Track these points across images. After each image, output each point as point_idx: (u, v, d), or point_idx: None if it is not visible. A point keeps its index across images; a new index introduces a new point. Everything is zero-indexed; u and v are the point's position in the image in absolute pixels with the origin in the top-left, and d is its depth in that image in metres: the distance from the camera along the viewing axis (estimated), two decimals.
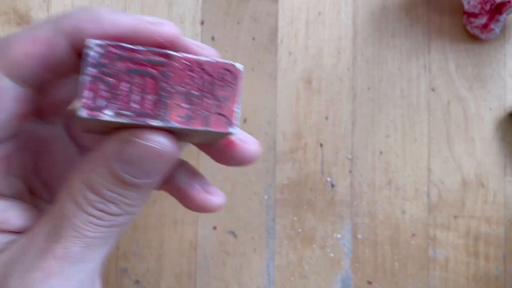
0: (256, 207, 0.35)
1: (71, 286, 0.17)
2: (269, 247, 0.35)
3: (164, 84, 0.18)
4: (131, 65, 0.18)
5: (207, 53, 0.19)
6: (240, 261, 0.35)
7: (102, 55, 0.17)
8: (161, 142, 0.17)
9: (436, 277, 0.35)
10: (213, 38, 0.35)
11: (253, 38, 0.35)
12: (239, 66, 0.19)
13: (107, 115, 0.17)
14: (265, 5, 0.36)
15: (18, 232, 0.18)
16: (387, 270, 0.35)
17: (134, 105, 0.17)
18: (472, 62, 0.36)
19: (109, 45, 0.17)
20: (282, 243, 0.35)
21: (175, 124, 0.18)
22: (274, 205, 0.35)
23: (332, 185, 0.35)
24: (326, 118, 0.36)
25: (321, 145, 0.35)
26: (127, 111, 0.17)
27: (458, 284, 0.35)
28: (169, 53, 0.18)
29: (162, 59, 0.18)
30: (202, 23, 0.36)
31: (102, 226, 0.18)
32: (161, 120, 0.18)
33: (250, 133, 0.36)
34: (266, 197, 0.35)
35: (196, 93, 0.18)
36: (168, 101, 0.18)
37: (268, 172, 0.35)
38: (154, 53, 0.18)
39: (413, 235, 0.35)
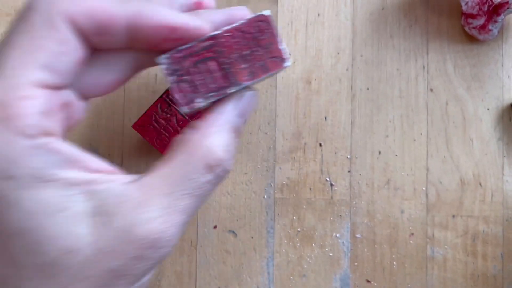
0: (256, 206, 0.35)
1: (178, 237, 0.20)
2: (269, 246, 0.35)
3: (222, 59, 0.22)
4: (193, 59, 0.22)
5: (240, 13, 0.22)
6: (240, 260, 0.35)
7: (171, 63, 0.21)
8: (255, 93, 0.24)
9: (434, 276, 0.35)
10: None
11: None
12: (266, 12, 0.22)
13: (200, 102, 0.22)
14: (265, 6, 0.36)
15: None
16: (386, 269, 0.35)
17: (212, 86, 0.22)
18: (470, 62, 0.36)
19: (172, 54, 0.21)
20: (281, 242, 0.35)
21: (245, 83, 0.22)
22: (274, 205, 0.35)
23: (331, 185, 0.35)
24: (326, 118, 0.36)
25: (320, 145, 0.36)
26: (210, 92, 0.22)
27: (456, 283, 0.35)
28: (212, 35, 0.22)
29: (209, 42, 0.22)
30: None
31: (214, 184, 0.21)
32: (235, 86, 0.22)
33: (250, 133, 0.36)
34: (265, 196, 0.35)
35: (247, 52, 0.22)
36: (231, 69, 0.22)
37: (268, 171, 0.35)
38: (202, 41, 0.22)
39: (412, 234, 0.35)
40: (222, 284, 0.35)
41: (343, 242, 0.35)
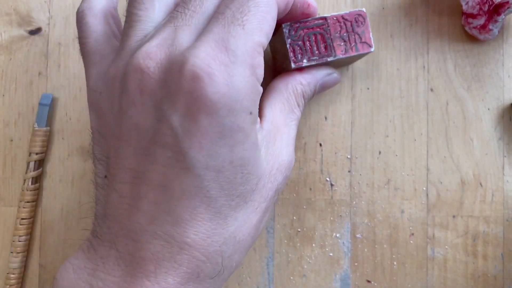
0: None
1: None
2: (269, 246, 0.35)
3: (327, 35, 0.30)
4: (307, 31, 0.30)
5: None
6: None
7: (290, 30, 0.29)
8: (339, 75, 0.32)
9: (434, 276, 0.35)
10: None
11: None
12: (364, 10, 0.30)
13: (304, 62, 0.29)
14: None
15: None
16: (386, 269, 0.35)
17: (316, 52, 0.30)
18: (471, 62, 0.36)
19: (292, 23, 0.29)
20: (281, 242, 0.35)
21: (341, 56, 0.30)
22: (274, 205, 0.35)
23: (331, 185, 0.35)
24: (326, 118, 0.36)
25: (320, 145, 0.36)
26: (314, 57, 0.30)
27: (456, 283, 0.35)
28: (324, 16, 0.30)
29: (321, 21, 0.30)
30: None
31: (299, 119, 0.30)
32: (333, 56, 0.30)
33: None
34: None
35: (346, 34, 0.30)
36: (333, 44, 0.30)
37: None
38: (316, 19, 0.30)
39: (412, 234, 0.35)
40: (222, 284, 0.35)
41: (343, 242, 0.35)
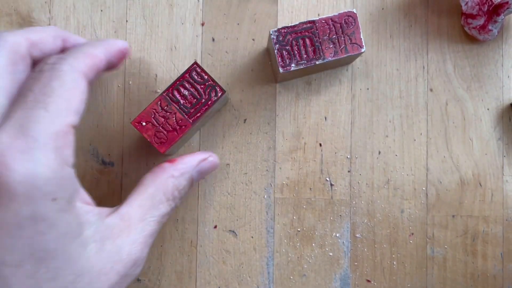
0: (256, 206, 0.35)
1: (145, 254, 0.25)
2: (269, 246, 0.35)
3: (316, 38, 0.30)
4: (295, 35, 0.30)
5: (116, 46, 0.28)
6: (240, 260, 0.35)
7: (278, 36, 0.30)
8: (216, 159, 0.31)
9: (434, 276, 0.35)
10: (213, 39, 0.36)
11: (253, 39, 0.36)
12: (354, 10, 0.31)
13: (292, 67, 0.30)
14: (265, 6, 0.36)
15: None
16: (386, 268, 0.35)
17: (304, 56, 0.30)
18: (470, 63, 0.36)
19: (279, 29, 0.30)
20: (281, 242, 0.35)
21: (330, 58, 0.30)
22: (274, 204, 0.35)
23: (331, 185, 0.36)
24: (325, 118, 0.36)
25: (320, 145, 0.36)
26: (302, 61, 0.30)
27: (456, 283, 0.35)
28: (313, 20, 0.30)
29: (309, 25, 0.30)
30: (202, 24, 0.36)
31: (170, 213, 0.27)
32: (322, 59, 0.30)
33: (250, 133, 0.36)
34: (265, 196, 0.35)
35: (335, 36, 0.30)
36: (321, 47, 0.30)
37: (268, 171, 0.35)
38: (305, 23, 0.30)
39: (412, 234, 0.35)
40: (222, 284, 0.35)
41: (343, 242, 0.35)
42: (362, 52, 0.31)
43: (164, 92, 0.30)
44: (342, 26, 0.31)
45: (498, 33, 0.36)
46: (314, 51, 0.31)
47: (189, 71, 0.30)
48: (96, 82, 0.36)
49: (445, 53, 0.36)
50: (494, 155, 0.36)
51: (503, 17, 0.34)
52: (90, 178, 0.35)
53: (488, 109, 0.36)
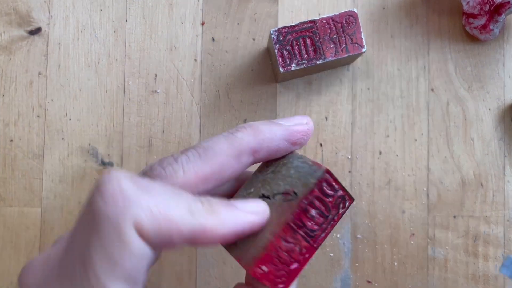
0: None
1: None
2: None
3: (316, 38, 0.30)
4: (295, 35, 0.30)
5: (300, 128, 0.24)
6: None
7: (279, 35, 0.30)
8: None
9: (435, 277, 0.35)
10: (213, 39, 0.36)
11: (253, 39, 0.36)
12: (355, 10, 0.31)
13: (293, 66, 0.30)
14: (265, 6, 0.36)
15: None
16: (387, 269, 0.35)
17: (305, 56, 0.30)
18: (471, 62, 0.36)
19: (280, 28, 0.30)
20: None
21: (330, 58, 0.30)
22: None
23: None
24: (326, 118, 0.36)
25: (321, 145, 0.35)
26: (302, 60, 0.30)
27: (457, 283, 0.35)
28: (313, 20, 0.30)
29: (310, 24, 0.30)
30: (202, 24, 0.36)
31: None
32: (322, 59, 0.30)
33: None
34: None
35: (336, 36, 0.30)
36: (322, 47, 0.30)
37: None
38: (305, 23, 0.30)
39: (413, 234, 0.35)
40: (222, 284, 0.35)
41: (343, 243, 0.35)
42: (363, 52, 0.31)
43: (288, 219, 0.21)
44: (343, 26, 0.31)
45: (500, 32, 0.36)
46: (314, 51, 0.31)
47: (320, 182, 0.21)
48: (96, 82, 0.35)
49: (446, 53, 0.36)
50: (495, 155, 0.36)
51: (504, 16, 0.34)
52: (89, 178, 0.35)
53: (489, 109, 0.36)
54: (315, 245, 0.21)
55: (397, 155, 0.35)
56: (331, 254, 0.35)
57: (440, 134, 0.36)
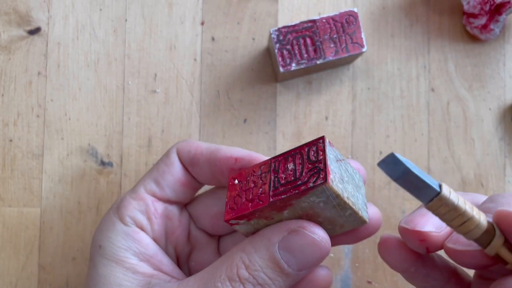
0: None
1: None
2: None
3: (316, 37, 0.30)
4: (295, 34, 0.30)
5: None
6: None
7: (279, 35, 0.30)
8: (322, 236, 0.21)
9: None
10: (213, 39, 0.36)
11: (253, 39, 0.36)
12: (355, 9, 0.31)
13: (293, 66, 0.30)
14: (265, 5, 0.36)
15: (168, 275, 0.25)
16: (387, 270, 0.35)
17: (305, 55, 0.30)
18: (472, 62, 0.36)
19: (280, 28, 0.30)
20: None
21: (331, 58, 0.30)
22: None
23: None
24: (326, 118, 0.36)
25: None
26: (302, 60, 0.30)
27: None
28: (313, 19, 0.30)
29: (310, 24, 0.30)
30: (202, 23, 0.36)
31: None
32: (322, 59, 0.30)
33: (250, 133, 0.36)
34: None
35: (336, 35, 0.30)
36: (322, 46, 0.30)
37: None
38: (305, 22, 0.30)
39: None
40: None
41: None
42: (363, 52, 0.31)
43: (277, 156, 0.24)
44: (343, 25, 0.31)
45: (500, 32, 0.36)
46: (314, 51, 0.30)
47: (311, 143, 0.22)
48: (95, 81, 0.35)
49: (446, 52, 0.36)
50: (496, 155, 0.36)
51: (505, 16, 0.34)
52: (89, 178, 0.35)
53: (490, 109, 0.36)
54: (270, 199, 0.21)
55: None
56: (332, 254, 0.35)
57: (440, 134, 0.36)
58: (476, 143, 0.36)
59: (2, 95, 0.35)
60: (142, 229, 0.25)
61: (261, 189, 0.22)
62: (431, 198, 0.17)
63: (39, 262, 0.34)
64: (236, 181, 0.24)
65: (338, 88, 0.36)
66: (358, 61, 0.36)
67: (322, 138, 0.22)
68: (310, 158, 0.22)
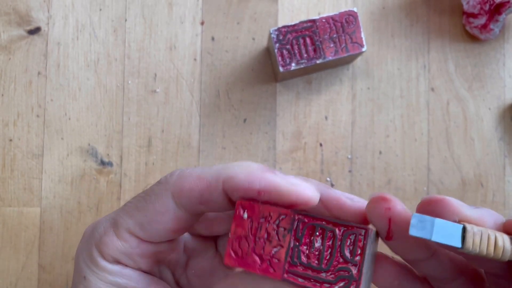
0: None
1: None
2: None
3: (316, 37, 0.30)
4: (295, 34, 0.30)
5: (357, 205, 0.20)
6: None
7: (278, 35, 0.30)
8: None
9: None
10: (213, 38, 0.36)
11: (253, 38, 0.36)
12: (355, 9, 0.31)
13: (293, 66, 0.30)
14: (265, 5, 0.36)
15: None
16: None
17: (305, 55, 0.30)
18: (472, 62, 0.36)
19: (280, 28, 0.30)
20: None
21: (330, 58, 0.30)
22: None
23: (332, 185, 0.35)
24: (326, 118, 0.36)
25: (320, 145, 0.35)
26: (302, 60, 0.30)
27: None
28: (313, 19, 0.30)
29: (310, 24, 0.30)
30: (202, 23, 0.36)
31: None
32: (322, 58, 0.30)
33: (250, 133, 0.36)
34: None
35: (335, 35, 0.30)
36: (322, 46, 0.30)
37: None
38: (305, 22, 0.30)
39: None
40: None
41: None
42: (363, 51, 0.31)
43: (303, 213, 0.18)
44: (343, 25, 0.31)
45: (500, 32, 0.36)
46: (314, 50, 0.31)
47: (350, 227, 0.18)
48: (95, 81, 0.35)
49: (446, 52, 0.36)
50: (495, 155, 0.36)
51: (504, 16, 0.34)
52: (89, 178, 0.35)
53: (489, 109, 0.36)
54: (284, 275, 0.18)
55: (397, 155, 0.35)
56: None
57: (440, 133, 0.36)
58: (476, 143, 0.36)
59: (2, 95, 0.35)
60: (128, 266, 0.23)
61: (275, 250, 0.18)
62: (462, 235, 0.17)
63: (39, 262, 0.34)
64: (246, 215, 0.19)
65: (338, 88, 0.36)
66: (358, 61, 0.36)
67: (366, 230, 0.17)
68: (343, 249, 0.18)
